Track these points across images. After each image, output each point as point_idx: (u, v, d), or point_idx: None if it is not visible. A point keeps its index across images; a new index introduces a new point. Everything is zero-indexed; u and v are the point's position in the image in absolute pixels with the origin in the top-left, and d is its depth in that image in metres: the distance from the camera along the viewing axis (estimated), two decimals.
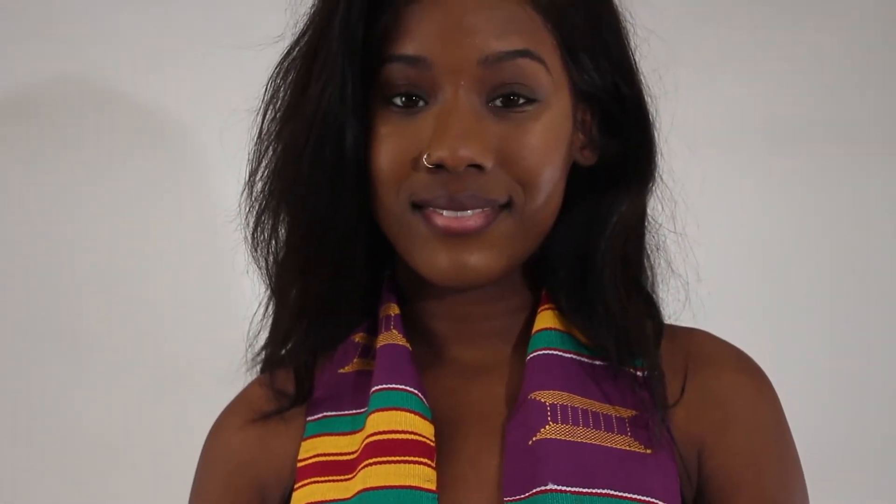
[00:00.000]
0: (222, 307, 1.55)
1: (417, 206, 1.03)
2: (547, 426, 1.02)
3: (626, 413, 1.05)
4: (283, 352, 1.12)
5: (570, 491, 0.98)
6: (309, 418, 1.11)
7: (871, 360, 1.72)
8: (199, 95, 1.64)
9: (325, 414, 1.10)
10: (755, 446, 1.07)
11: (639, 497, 1.00)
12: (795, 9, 1.72)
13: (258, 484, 1.11)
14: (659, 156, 1.10)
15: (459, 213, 1.01)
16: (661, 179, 1.11)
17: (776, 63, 1.71)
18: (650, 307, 1.11)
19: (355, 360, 1.13)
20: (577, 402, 1.05)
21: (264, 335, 1.15)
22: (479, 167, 0.99)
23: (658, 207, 1.13)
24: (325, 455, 1.07)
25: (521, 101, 1.01)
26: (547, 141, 1.02)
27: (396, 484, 1.00)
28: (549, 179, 1.03)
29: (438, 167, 0.99)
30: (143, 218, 1.67)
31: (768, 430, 1.08)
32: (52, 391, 1.67)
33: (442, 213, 1.01)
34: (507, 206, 1.02)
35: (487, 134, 1.00)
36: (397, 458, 1.02)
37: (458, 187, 1.00)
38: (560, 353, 1.08)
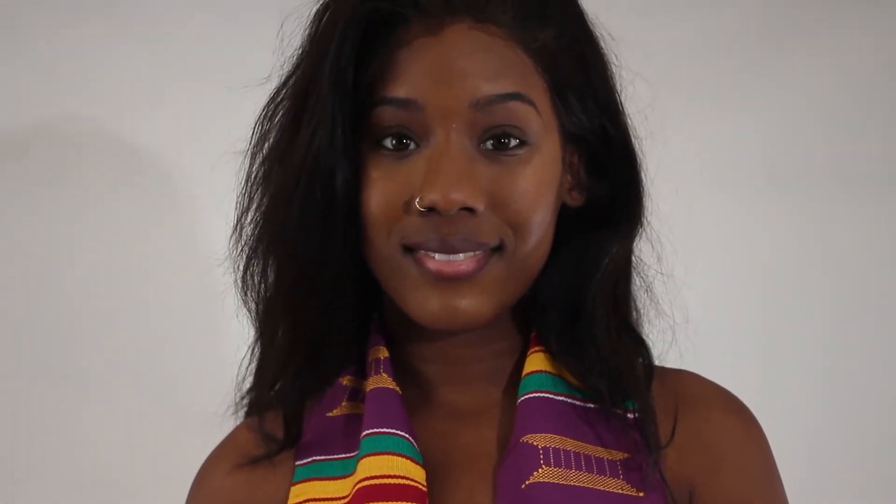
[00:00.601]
0: (211, 350, 1.54)
1: (409, 249, 1.02)
2: (539, 470, 1.02)
3: (619, 455, 1.05)
4: (272, 394, 1.11)
5: None
6: (298, 462, 1.10)
7: (861, 404, 1.72)
8: (187, 136, 1.64)
9: (314, 458, 1.09)
10: (745, 488, 1.07)
11: None
12: (787, 47, 1.73)
13: None
14: (646, 197, 1.10)
15: (451, 257, 1.01)
16: (649, 220, 1.12)
17: (764, 104, 1.72)
18: (641, 348, 1.11)
19: (344, 403, 1.12)
20: (570, 444, 1.04)
21: (252, 380, 1.14)
22: (470, 210, 0.99)
23: (646, 248, 1.13)
24: (315, 500, 1.06)
25: (513, 143, 1.01)
26: (537, 185, 1.02)
27: None
28: (540, 223, 1.03)
29: (430, 210, 0.99)
30: (132, 260, 1.66)
31: (757, 472, 1.08)
32: (40, 430, 1.66)
33: (434, 257, 1.01)
34: (499, 249, 1.02)
35: (479, 177, 1.00)
36: None
37: (449, 230, 1.00)
38: (551, 396, 1.07)
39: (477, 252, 1.01)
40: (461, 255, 1.01)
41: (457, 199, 0.98)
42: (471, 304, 1.02)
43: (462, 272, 1.01)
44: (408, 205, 1.01)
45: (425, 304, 1.02)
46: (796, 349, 1.72)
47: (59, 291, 1.67)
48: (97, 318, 1.66)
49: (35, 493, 1.66)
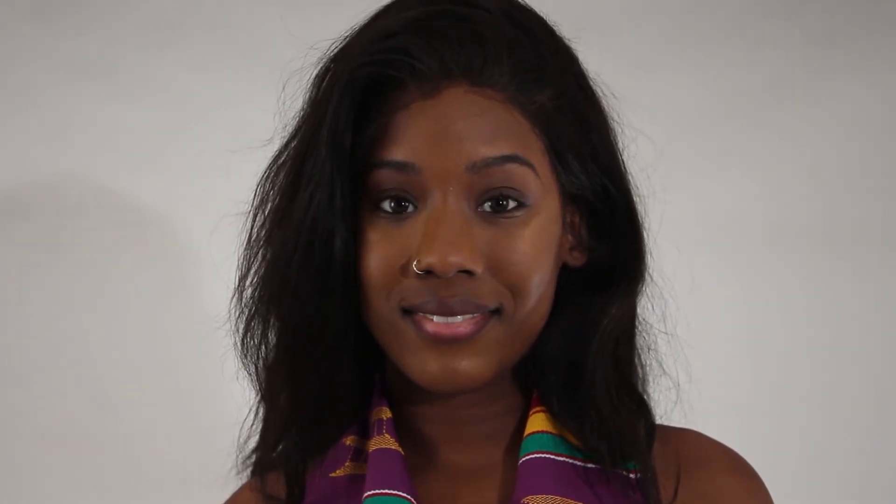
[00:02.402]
0: (212, 413, 1.54)
1: (407, 312, 1.02)
2: None
3: None
4: (274, 455, 1.11)
5: None
6: None
7: (866, 459, 1.72)
8: (189, 198, 1.65)
9: None
10: None
11: None
12: (789, 106, 1.74)
13: None
14: (648, 256, 1.10)
15: (450, 319, 1.01)
16: (651, 279, 1.11)
17: (766, 162, 1.72)
18: (642, 409, 1.10)
19: (347, 463, 1.11)
20: None
21: (254, 440, 1.14)
22: (468, 272, 0.99)
23: (648, 307, 1.13)
24: None
25: (511, 206, 1.01)
26: (536, 247, 1.02)
27: None
28: (539, 285, 1.03)
29: (428, 273, 0.99)
30: (132, 321, 1.67)
31: None
32: (42, 494, 1.65)
33: (432, 319, 1.01)
34: (497, 311, 1.02)
35: (477, 239, 1.00)
36: None
37: (448, 293, 1.00)
38: (553, 457, 1.07)
39: (475, 314, 1.01)
40: (459, 318, 1.01)
41: (454, 262, 0.98)
42: (470, 365, 1.02)
43: (460, 334, 1.01)
44: (405, 267, 1.01)
45: (424, 367, 1.02)
46: (798, 408, 1.71)
47: (59, 354, 1.67)
48: (97, 380, 1.67)
49: None
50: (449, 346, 1.01)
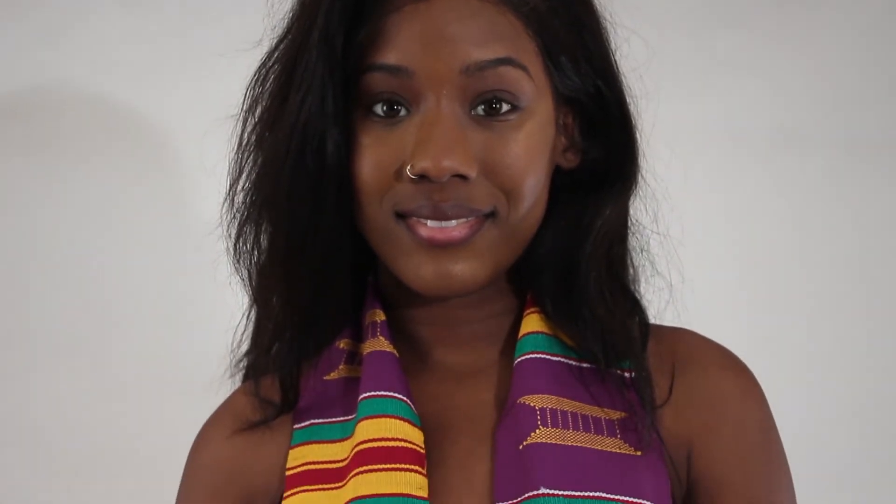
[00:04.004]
0: (205, 318, 1.54)
1: (401, 216, 1.02)
2: (537, 430, 1.02)
3: (616, 415, 1.05)
4: (268, 359, 1.11)
5: (562, 494, 0.98)
6: (296, 426, 1.10)
7: (858, 363, 1.73)
8: (180, 102, 1.63)
9: (312, 421, 1.09)
10: (743, 446, 1.07)
11: (630, 499, 1.00)
12: (789, 5, 1.72)
13: (246, 493, 1.10)
14: (641, 157, 1.10)
15: (444, 224, 1.01)
16: (644, 180, 1.11)
17: (763, 64, 1.71)
18: (636, 308, 1.11)
19: (341, 366, 1.12)
20: (567, 405, 1.05)
21: (248, 345, 1.15)
22: (462, 177, 0.99)
23: (641, 208, 1.13)
24: (314, 463, 1.07)
25: (504, 109, 1.01)
26: (530, 149, 1.02)
27: (387, 492, 1.00)
28: (533, 187, 1.03)
29: (422, 177, 0.99)
30: (123, 227, 1.66)
31: (756, 430, 1.08)
32: (29, 399, 1.67)
33: (426, 224, 1.01)
34: (492, 215, 1.02)
35: (470, 143, 1.00)
36: (388, 466, 1.01)
37: (441, 197, 1.00)
38: (548, 357, 1.07)
39: (469, 218, 1.01)
40: (453, 222, 1.01)
41: (448, 167, 0.98)
42: (464, 269, 1.02)
43: (454, 238, 1.01)
44: (399, 172, 1.00)
45: (419, 271, 1.02)
46: (793, 309, 1.72)
47: (50, 258, 1.67)
48: (88, 283, 1.67)
49: (30, 464, 1.67)
50: (443, 250, 1.01)
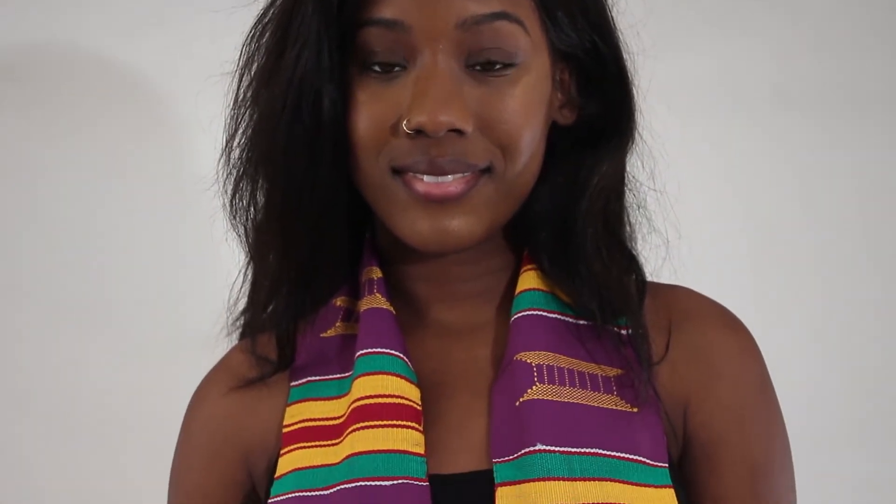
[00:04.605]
0: (201, 274, 1.54)
1: (397, 172, 1.02)
2: (533, 387, 1.02)
3: (612, 372, 1.05)
4: (265, 316, 1.11)
5: (558, 451, 0.98)
6: (293, 383, 1.10)
7: (857, 317, 1.73)
8: (176, 59, 1.63)
9: (309, 379, 1.10)
10: (739, 403, 1.07)
11: (626, 455, 1.00)
12: None
13: (243, 451, 1.11)
14: (638, 113, 1.09)
15: (440, 179, 1.00)
16: (641, 137, 1.11)
17: (760, 22, 1.71)
18: (633, 265, 1.10)
19: (338, 323, 1.12)
20: (563, 362, 1.05)
21: (244, 302, 1.14)
22: (459, 132, 0.99)
23: (638, 165, 1.12)
24: (311, 420, 1.07)
25: (500, 65, 1.00)
26: (526, 104, 1.02)
27: (384, 448, 1.00)
28: (529, 143, 1.02)
29: (418, 132, 0.98)
30: (120, 186, 1.66)
31: (752, 387, 1.09)
32: (27, 355, 1.68)
33: (422, 179, 1.01)
34: (488, 170, 1.02)
35: (467, 98, 0.99)
36: (384, 423, 1.02)
37: (438, 152, 0.99)
38: (544, 314, 1.07)
39: (466, 174, 1.01)
40: (449, 177, 1.00)
41: (444, 122, 0.97)
42: (461, 224, 1.01)
43: (451, 193, 1.01)
44: (395, 127, 1.00)
45: (415, 227, 1.02)
46: (790, 266, 1.72)
47: (47, 215, 1.67)
48: (85, 242, 1.67)
49: (28, 418, 1.68)
50: (440, 206, 1.01)
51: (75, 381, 1.66)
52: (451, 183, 1.01)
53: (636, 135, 1.10)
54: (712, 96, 1.70)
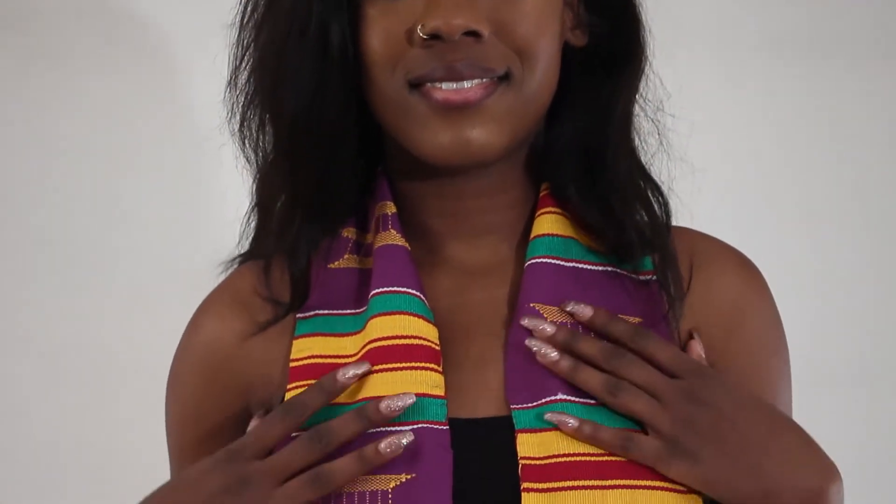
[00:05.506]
0: (211, 207, 1.52)
1: (414, 86, 1.00)
2: None
3: (631, 320, 1.03)
4: (275, 246, 1.07)
5: (579, 401, 0.98)
6: (299, 315, 1.06)
7: (860, 263, 1.76)
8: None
9: (317, 312, 1.06)
10: (761, 342, 1.09)
11: None
12: None
13: (243, 382, 1.08)
14: (647, 32, 1.08)
15: (458, 85, 0.99)
16: (652, 69, 1.09)
17: None
18: (658, 194, 1.09)
19: (347, 255, 1.09)
20: None
21: (253, 236, 1.11)
22: (475, 35, 0.97)
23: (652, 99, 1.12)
24: (320, 357, 1.03)
25: None
26: (540, 10, 1.01)
27: (404, 392, 0.97)
28: (546, 49, 1.01)
29: (434, 38, 0.97)
30: (128, 123, 1.67)
31: (771, 328, 1.11)
32: (32, 299, 1.69)
33: (440, 87, 0.99)
34: (506, 78, 1.00)
35: (480, 4, 0.98)
36: (404, 365, 0.99)
37: (454, 57, 0.98)
38: (561, 263, 1.06)
39: (484, 79, 0.99)
40: (467, 83, 0.99)
41: (460, 23, 0.96)
42: (482, 134, 0.99)
43: (470, 99, 0.99)
44: (410, 34, 0.98)
45: (436, 139, 1.00)
46: (798, 205, 1.75)
47: (57, 157, 1.68)
48: (95, 182, 1.68)
49: (27, 360, 1.69)
50: (460, 114, 0.99)
51: (86, 320, 1.68)
52: (469, 89, 0.99)
53: (647, 58, 1.09)
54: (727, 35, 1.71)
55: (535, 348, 0.99)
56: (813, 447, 0.99)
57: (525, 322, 1.00)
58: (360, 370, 0.98)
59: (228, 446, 0.98)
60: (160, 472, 1.11)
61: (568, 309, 1.02)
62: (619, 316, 1.02)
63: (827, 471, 0.98)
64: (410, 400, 0.95)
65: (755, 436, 0.97)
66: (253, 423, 1.01)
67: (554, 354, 0.98)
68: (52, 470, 1.69)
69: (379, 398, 0.96)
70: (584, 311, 1.00)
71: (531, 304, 1.02)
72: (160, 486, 1.02)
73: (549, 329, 0.99)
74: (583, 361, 0.99)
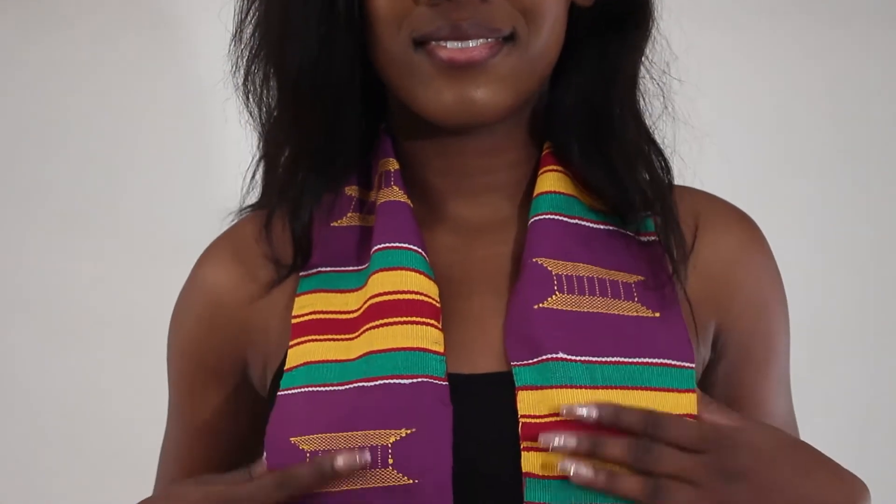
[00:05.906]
0: (214, 164, 1.53)
1: (420, 44, 1.00)
2: (553, 296, 1.01)
3: (633, 278, 1.04)
4: (279, 201, 1.07)
5: (580, 360, 0.98)
6: (301, 273, 1.07)
7: (863, 224, 1.77)
8: None
9: (320, 269, 1.06)
10: (766, 298, 1.11)
11: (651, 360, 0.99)
12: None
13: (241, 327, 1.08)
14: None
15: (462, 44, 0.99)
16: (659, 30, 1.09)
17: None
18: (660, 157, 1.09)
19: (350, 213, 1.09)
20: (583, 269, 1.03)
21: (258, 192, 1.11)
22: None
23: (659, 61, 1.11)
24: (322, 313, 1.04)
25: None
26: None
27: (403, 346, 0.98)
28: (552, 10, 1.01)
29: None
30: (129, 83, 1.68)
31: (773, 283, 1.13)
32: (35, 267, 1.70)
33: (445, 46, 0.99)
34: (511, 38, 1.00)
35: None
36: (403, 320, 1.00)
37: (460, 15, 0.98)
38: (565, 219, 1.06)
39: (489, 39, 0.99)
40: (472, 43, 0.99)
41: None
42: (485, 94, 1.00)
43: (475, 58, 0.99)
44: None
45: (440, 98, 1.00)
46: (807, 170, 1.75)
47: (57, 124, 1.69)
48: (101, 137, 1.68)
49: (31, 325, 1.71)
50: (464, 75, 0.99)
51: (92, 276, 1.69)
52: (474, 48, 0.99)
53: (654, 19, 1.08)
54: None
55: (569, 472, 0.94)
56: (840, 473, 1.01)
57: (541, 441, 0.95)
58: (359, 462, 0.95)
59: (222, 488, 0.98)
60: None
61: (569, 415, 0.96)
62: (625, 408, 0.96)
63: (858, 493, 1.01)
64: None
65: (790, 488, 0.97)
66: (256, 469, 1.00)
67: (588, 471, 0.94)
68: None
69: (382, 351, 0.98)
70: (591, 412, 0.95)
71: (535, 260, 1.02)
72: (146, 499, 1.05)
73: (572, 442, 0.94)
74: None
